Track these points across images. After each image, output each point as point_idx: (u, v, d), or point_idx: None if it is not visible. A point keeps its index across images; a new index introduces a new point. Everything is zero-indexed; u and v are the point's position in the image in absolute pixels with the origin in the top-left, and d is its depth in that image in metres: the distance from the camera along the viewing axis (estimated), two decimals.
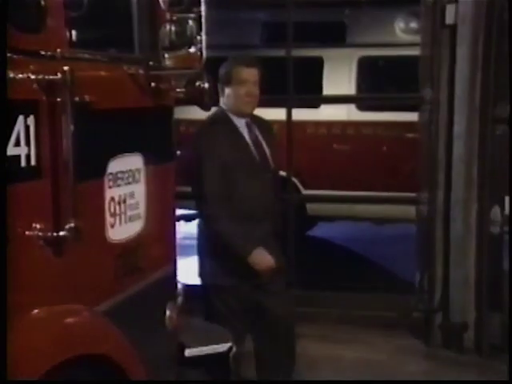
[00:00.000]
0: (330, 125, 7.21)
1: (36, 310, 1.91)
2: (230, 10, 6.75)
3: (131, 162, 2.63)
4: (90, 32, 2.50)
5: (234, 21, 7.22)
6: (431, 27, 5.00)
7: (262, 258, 3.58)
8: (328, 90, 7.17)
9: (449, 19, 4.84)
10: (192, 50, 2.66)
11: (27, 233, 2.04)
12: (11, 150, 1.96)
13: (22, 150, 2.01)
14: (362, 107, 7.17)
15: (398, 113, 6.82)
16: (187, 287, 3.34)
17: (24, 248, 2.03)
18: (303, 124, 6.73)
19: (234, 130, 3.61)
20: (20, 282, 2.00)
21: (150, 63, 2.70)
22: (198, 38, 2.58)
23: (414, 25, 7.19)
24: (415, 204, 5.23)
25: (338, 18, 7.46)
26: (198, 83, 2.94)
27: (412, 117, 6.03)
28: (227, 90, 3.57)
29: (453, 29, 4.87)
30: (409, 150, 6.09)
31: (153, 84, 2.73)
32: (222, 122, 3.62)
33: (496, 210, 4.92)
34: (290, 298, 4.10)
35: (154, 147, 2.82)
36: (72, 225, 2.14)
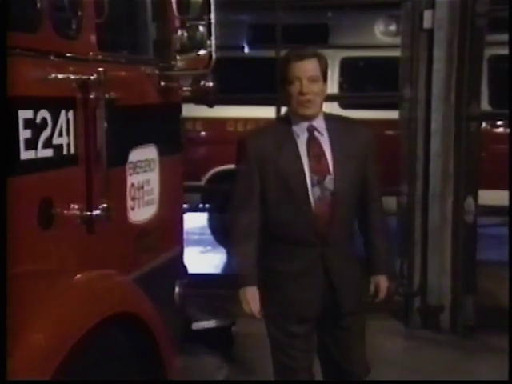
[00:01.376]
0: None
1: (78, 275, 2.22)
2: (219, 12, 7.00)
3: (147, 153, 2.95)
4: (111, 36, 2.80)
5: (223, 23, 7.46)
6: (410, 31, 5.27)
7: (245, 301, 2.97)
8: None
9: (426, 24, 5.12)
10: (201, 52, 2.97)
11: (66, 212, 2.35)
12: (56, 140, 2.28)
13: (63, 140, 2.33)
14: (345, 105, 7.44)
15: (378, 111, 7.01)
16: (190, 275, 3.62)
17: (65, 225, 2.34)
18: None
19: (285, 135, 2.92)
20: (63, 253, 2.32)
21: (161, 64, 3.03)
22: (208, 42, 2.90)
23: (392, 27, 7.44)
24: (395, 195, 5.48)
25: (321, 21, 7.62)
26: (202, 82, 3.27)
27: (390, 115, 6.36)
28: (284, 91, 2.91)
29: (430, 32, 5.15)
30: (388, 146, 6.38)
31: (164, 83, 3.05)
32: (277, 124, 3.13)
33: (470, 200, 5.21)
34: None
35: (165, 140, 3.14)
36: (104, 205, 2.46)
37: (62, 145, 2.31)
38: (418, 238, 5.38)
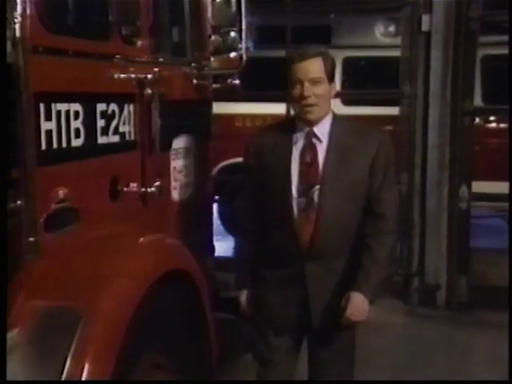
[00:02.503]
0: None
1: (141, 238, 2.69)
2: None
3: (185, 141, 3.40)
4: (159, 41, 3.25)
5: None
6: (409, 33, 5.71)
7: (244, 303, 2.92)
8: None
9: (424, 27, 5.55)
10: (232, 54, 3.43)
11: (128, 188, 2.82)
12: (122, 128, 2.75)
13: (126, 128, 2.80)
14: (346, 102, 7.88)
15: (378, 107, 7.36)
16: None
17: (127, 199, 2.81)
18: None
19: (284, 138, 2.73)
20: (127, 221, 2.79)
21: (196, 65, 3.49)
22: (239, 45, 3.35)
23: (391, 29, 7.85)
24: (396, 184, 5.90)
25: (324, 22, 8.01)
26: (229, 80, 3.73)
27: (390, 111, 6.79)
28: (288, 93, 2.69)
29: (428, 35, 5.58)
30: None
31: (198, 81, 3.51)
32: (282, 124, 2.88)
33: (464, 188, 5.63)
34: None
35: (199, 130, 3.60)
36: (157, 183, 2.93)
37: (125, 132, 2.78)
38: (416, 223, 5.81)
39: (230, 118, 7.80)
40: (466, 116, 5.67)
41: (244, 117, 7.91)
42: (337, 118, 2.73)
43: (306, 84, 2.60)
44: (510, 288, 4.67)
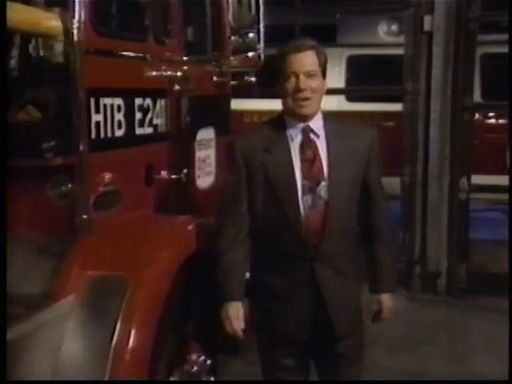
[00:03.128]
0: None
1: (173, 219, 2.99)
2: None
3: (208, 133, 3.70)
4: (183, 41, 3.54)
5: None
6: (412, 32, 5.97)
7: (227, 318, 2.63)
8: None
9: (426, 27, 5.82)
10: (251, 54, 3.72)
11: (160, 175, 3.12)
12: (155, 120, 3.05)
13: (159, 121, 3.10)
14: (351, 98, 8.19)
15: (380, 103, 7.73)
16: None
17: (160, 184, 3.11)
18: None
19: (277, 137, 2.60)
20: (160, 204, 3.09)
21: (217, 63, 3.78)
22: (258, 46, 3.65)
23: (394, 28, 8.18)
24: (399, 176, 6.16)
25: (330, 22, 8.34)
26: (246, 77, 4.03)
27: (393, 107, 7.08)
28: (277, 87, 2.58)
29: (430, 34, 5.84)
30: (390, 135, 7.12)
31: (217, 78, 3.80)
32: (269, 124, 2.68)
33: (464, 180, 5.90)
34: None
35: (219, 123, 3.89)
36: (186, 171, 3.23)
37: (157, 124, 3.09)
38: (418, 213, 6.08)
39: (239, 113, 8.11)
40: (465, 111, 5.93)
41: (252, 113, 8.19)
42: (326, 116, 2.63)
43: (302, 77, 2.49)
44: (509, 284, 4.79)
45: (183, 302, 2.76)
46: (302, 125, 2.58)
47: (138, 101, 2.87)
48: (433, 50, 5.86)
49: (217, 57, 3.77)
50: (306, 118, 2.57)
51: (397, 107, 6.60)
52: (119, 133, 2.70)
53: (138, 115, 2.88)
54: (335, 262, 2.59)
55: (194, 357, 2.86)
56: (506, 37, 6.53)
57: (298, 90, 2.50)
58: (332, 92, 7.78)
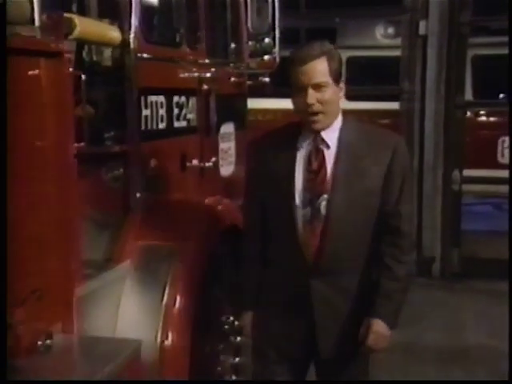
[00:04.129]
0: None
1: (208, 199, 3.45)
2: None
3: (229, 128, 4.15)
4: (209, 46, 3.99)
5: None
6: (408, 36, 6.51)
7: (244, 326, 2.67)
8: None
9: (421, 31, 6.34)
10: (267, 57, 4.18)
11: (191, 163, 3.57)
12: (188, 116, 3.51)
13: (190, 116, 3.56)
14: (350, 97, 8.59)
15: (378, 102, 8.17)
16: None
17: (191, 170, 3.56)
18: None
19: (288, 144, 2.45)
20: (192, 186, 3.55)
21: (236, 65, 4.24)
22: (274, 50, 4.11)
23: (390, 31, 8.63)
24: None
25: (330, 25, 8.73)
26: (260, 78, 4.48)
27: (389, 105, 7.54)
28: (292, 99, 2.42)
29: (424, 38, 6.36)
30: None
31: (236, 79, 4.26)
32: (287, 129, 2.54)
33: (456, 173, 6.40)
34: None
35: (237, 120, 4.35)
36: (214, 160, 3.69)
37: (190, 119, 3.54)
38: (415, 203, 6.48)
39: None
40: (458, 109, 6.46)
41: (266, 111, 8.55)
42: (347, 122, 2.42)
43: (310, 90, 2.30)
44: (509, 279, 4.96)
45: (217, 269, 3.22)
46: (313, 135, 2.41)
47: (175, 98, 3.32)
48: (427, 52, 6.37)
49: (236, 60, 4.22)
50: (315, 131, 2.40)
51: (394, 106, 7.10)
52: (162, 125, 3.16)
53: (176, 111, 3.33)
54: (335, 280, 2.41)
55: (224, 318, 3.32)
56: (495, 39, 7.09)
57: (306, 104, 2.32)
58: None
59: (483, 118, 8.44)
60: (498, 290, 5.75)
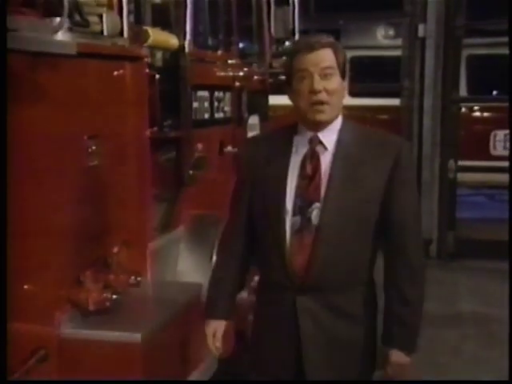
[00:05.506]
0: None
1: None
2: None
3: (255, 119, 4.78)
4: (239, 48, 4.63)
5: None
6: (408, 38, 7.14)
7: (206, 334, 2.35)
8: None
9: (420, 33, 6.95)
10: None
11: (226, 148, 4.20)
12: (225, 108, 4.14)
13: (226, 109, 4.19)
14: (353, 94, 9.19)
15: (380, 99, 8.78)
16: None
17: (226, 155, 4.18)
18: None
19: (282, 146, 2.25)
20: (226, 168, 4.17)
21: (260, 65, 4.88)
22: None
23: (391, 32, 9.20)
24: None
25: (334, 26, 9.03)
26: (279, 76, 5.12)
27: (389, 101, 8.16)
28: (289, 91, 2.21)
29: (423, 39, 6.96)
30: (389, 125, 8.20)
31: (260, 77, 4.90)
32: (281, 131, 2.32)
33: (451, 162, 6.99)
34: None
35: (261, 112, 4.98)
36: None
37: (226, 111, 4.18)
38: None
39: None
40: (453, 104, 7.07)
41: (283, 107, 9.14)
42: (346, 124, 2.23)
43: (316, 77, 2.11)
44: (510, 278, 5.01)
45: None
46: (310, 134, 2.19)
47: (215, 93, 3.96)
48: (425, 52, 6.97)
49: (260, 60, 4.86)
50: (318, 127, 2.18)
51: (395, 102, 7.72)
52: (206, 116, 3.80)
53: (215, 104, 3.97)
54: (327, 298, 2.19)
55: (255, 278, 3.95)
56: (487, 40, 7.76)
57: (312, 91, 2.11)
58: None
59: (477, 114, 9.00)
60: (489, 268, 6.45)
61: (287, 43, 4.78)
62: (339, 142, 2.19)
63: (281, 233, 2.16)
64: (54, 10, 2.15)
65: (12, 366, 2.03)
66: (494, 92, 9.18)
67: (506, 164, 7.25)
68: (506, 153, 8.16)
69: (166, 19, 3.60)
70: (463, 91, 8.27)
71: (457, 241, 7.09)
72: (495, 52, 8.43)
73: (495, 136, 8.64)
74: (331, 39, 2.20)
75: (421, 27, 6.94)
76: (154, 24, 3.73)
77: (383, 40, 9.37)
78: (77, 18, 2.24)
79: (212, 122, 3.92)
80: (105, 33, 2.65)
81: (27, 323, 2.24)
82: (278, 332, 2.24)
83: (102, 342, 2.43)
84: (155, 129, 3.14)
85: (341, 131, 2.20)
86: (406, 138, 7.17)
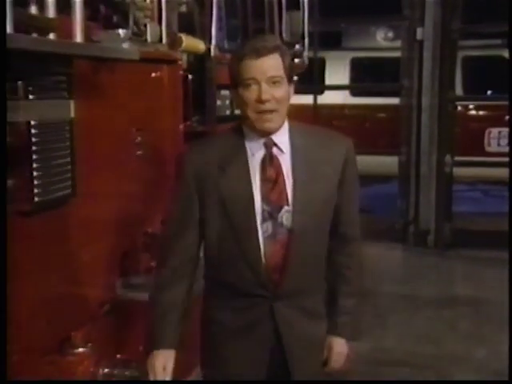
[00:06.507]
0: (331, 107, 9.14)
1: None
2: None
3: None
4: None
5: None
6: (407, 40, 7.55)
7: (151, 367, 2.19)
8: (329, 80, 9.46)
9: (418, 36, 7.36)
10: (297, 60, 5.23)
11: None
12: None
13: None
14: (354, 93, 9.62)
15: (380, 98, 9.12)
16: None
17: None
18: (311, 106, 8.36)
19: (235, 152, 2.16)
20: None
21: None
22: (304, 54, 5.16)
23: (390, 35, 9.55)
24: (397, 155, 7.71)
25: (336, 29, 9.73)
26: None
27: (389, 100, 8.52)
28: (234, 95, 2.19)
29: (421, 42, 7.38)
30: (389, 123, 8.64)
31: None
32: (227, 136, 2.26)
33: (448, 157, 7.38)
34: None
35: None
36: None
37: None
38: (412, 183, 7.62)
39: None
40: (449, 103, 7.48)
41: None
42: (293, 125, 2.21)
43: (264, 85, 2.06)
44: (509, 276, 5.03)
45: None
46: (263, 139, 2.14)
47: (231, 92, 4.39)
48: (423, 54, 7.39)
49: None
50: (268, 134, 2.14)
51: (394, 101, 8.11)
52: (227, 112, 4.23)
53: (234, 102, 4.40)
54: (300, 301, 2.20)
55: None
56: (482, 42, 8.21)
57: (259, 101, 2.06)
58: (339, 88, 9.46)
59: (472, 112, 9.33)
60: (483, 257, 6.89)
61: (297, 46, 5.19)
62: (293, 144, 2.17)
63: (252, 241, 2.11)
64: (116, 23, 2.59)
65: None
66: (489, 91, 9.56)
67: (500, 160, 7.68)
68: (500, 149, 8.53)
69: (191, 25, 4.04)
70: (459, 90, 8.64)
71: (453, 231, 7.48)
72: (489, 53, 8.88)
73: (490, 133, 8.97)
74: (277, 42, 2.18)
75: (419, 30, 7.35)
76: (180, 30, 4.18)
77: (383, 42, 9.71)
78: (135, 29, 2.67)
79: (232, 118, 4.34)
80: (149, 40, 3.07)
81: (96, 288, 2.70)
82: (250, 341, 2.18)
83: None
84: (187, 123, 3.56)
85: (290, 133, 2.18)
86: (405, 135, 7.66)
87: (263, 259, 2.12)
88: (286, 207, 2.13)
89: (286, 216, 2.13)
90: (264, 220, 2.12)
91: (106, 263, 2.80)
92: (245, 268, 2.13)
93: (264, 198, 2.12)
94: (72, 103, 2.08)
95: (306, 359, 2.23)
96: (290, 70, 2.14)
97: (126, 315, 2.83)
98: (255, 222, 2.11)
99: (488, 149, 8.99)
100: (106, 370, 2.42)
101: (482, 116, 9.29)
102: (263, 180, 2.13)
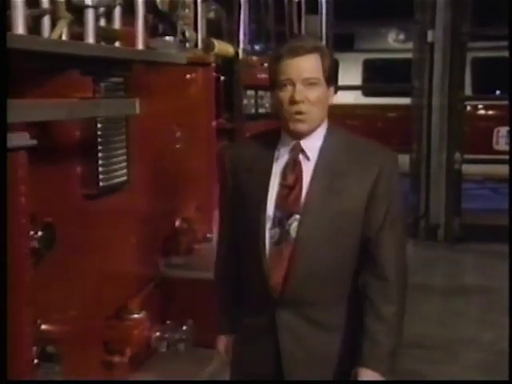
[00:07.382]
0: (344, 106, 9.10)
1: None
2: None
3: None
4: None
5: None
6: (419, 42, 7.86)
7: (221, 349, 2.37)
8: (342, 81, 9.48)
9: (429, 39, 7.68)
10: None
11: None
12: (266, 105, 4.91)
13: (266, 105, 4.96)
14: (366, 93, 9.94)
15: (392, 98, 9.41)
16: None
17: None
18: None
19: (265, 153, 2.13)
20: None
21: None
22: None
23: (401, 36, 9.84)
24: (409, 153, 7.96)
25: (348, 31, 9.95)
26: None
27: (401, 100, 8.77)
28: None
29: (432, 44, 7.69)
30: (400, 122, 8.93)
31: None
32: (266, 137, 2.22)
33: (457, 154, 7.69)
34: None
35: None
36: None
37: (266, 107, 4.95)
38: (423, 180, 7.93)
39: None
40: (459, 102, 7.79)
41: None
42: (332, 131, 2.13)
43: (299, 86, 2.02)
44: (509, 276, 5.39)
45: None
46: (293, 142, 2.10)
47: (259, 93, 4.73)
48: (434, 56, 7.70)
49: None
50: (300, 135, 2.09)
51: (406, 101, 8.38)
52: (253, 111, 4.58)
53: (258, 101, 4.75)
54: (308, 312, 2.12)
55: None
56: (490, 44, 8.51)
57: (293, 101, 2.02)
58: (351, 88, 9.78)
59: (481, 111, 9.63)
60: (491, 250, 7.19)
61: None
62: (322, 151, 2.09)
63: (260, 245, 2.08)
64: (162, 31, 2.95)
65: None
66: (497, 91, 9.83)
67: (508, 157, 7.84)
68: (508, 148, 8.80)
69: (218, 30, 4.38)
70: (468, 91, 8.88)
71: (462, 226, 7.78)
72: (497, 55, 9.10)
73: (498, 132, 9.23)
74: (317, 43, 2.12)
75: (430, 33, 7.66)
76: (209, 35, 4.52)
77: (394, 44, 10.01)
78: (180, 36, 3.03)
79: (257, 116, 4.69)
80: (187, 45, 3.42)
81: (145, 265, 3.04)
82: (257, 344, 2.17)
83: (187, 279, 3.23)
84: (219, 120, 3.91)
85: (325, 138, 2.11)
86: (416, 134, 7.97)
87: (268, 265, 2.08)
88: (296, 216, 2.07)
89: (293, 225, 2.06)
90: (273, 225, 2.07)
91: (152, 244, 3.16)
92: (255, 272, 2.11)
93: (278, 204, 2.07)
94: (137, 101, 2.42)
95: (303, 371, 2.13)
96: (329, 72, 2.07)
97: (169, 290, 3.18)
98: (264, 226, 2.07)
99: (496, 147, 9.26)
100: (158, 334, 2.77)
101: (491, 115, 9.55)
102: (282, 185, 2.08)
